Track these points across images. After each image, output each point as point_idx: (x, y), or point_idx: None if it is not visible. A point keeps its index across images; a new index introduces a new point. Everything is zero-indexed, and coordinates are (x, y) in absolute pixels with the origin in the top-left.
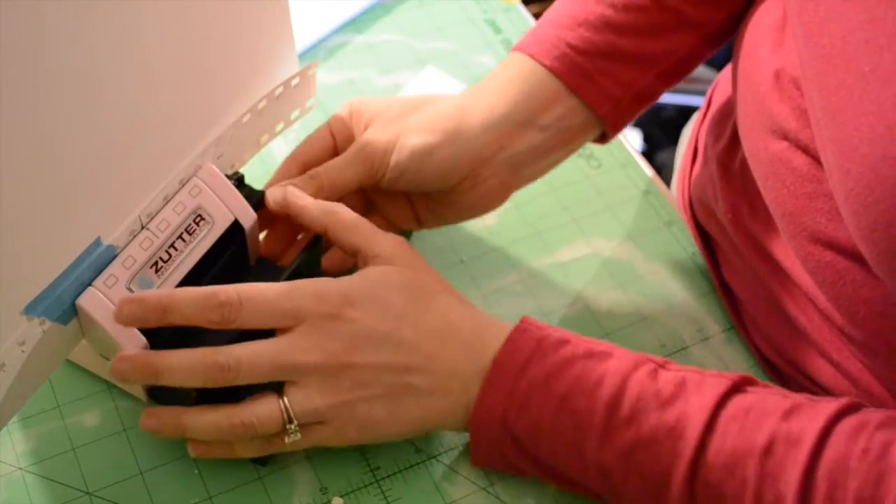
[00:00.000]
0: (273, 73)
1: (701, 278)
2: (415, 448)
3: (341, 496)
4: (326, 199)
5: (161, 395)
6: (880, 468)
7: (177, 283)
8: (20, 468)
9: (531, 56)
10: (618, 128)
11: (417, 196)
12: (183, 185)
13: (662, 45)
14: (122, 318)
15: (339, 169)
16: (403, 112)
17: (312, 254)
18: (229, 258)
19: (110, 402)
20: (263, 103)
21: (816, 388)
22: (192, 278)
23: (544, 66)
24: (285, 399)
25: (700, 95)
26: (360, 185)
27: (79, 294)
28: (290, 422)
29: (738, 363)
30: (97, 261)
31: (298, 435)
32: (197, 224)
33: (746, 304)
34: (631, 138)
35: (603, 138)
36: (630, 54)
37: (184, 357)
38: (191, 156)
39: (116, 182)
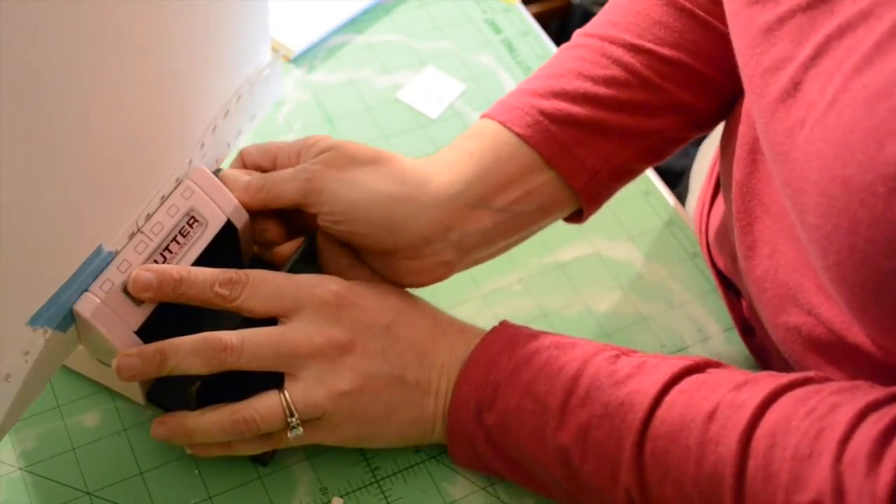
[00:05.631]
0: (249, 65)
1: (701, 278)
2: (414, 448)
3: (341, 496)
4: (262, 203)
5: (160, 397)
6: (822, 424)
7: None
8: (20, 468)
9: (502, 124)
10: (594, 203)
11: (356, 244)
12: (176, 186)
13: (647, 123)
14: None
15: (279, 180)
16: (358, 160)
17: (308, 253)
18: (223, 258)
19: (110, 402)
20: (241, 95)
21: None
22: None
23: (516, 133)
24: (286, 393)
25: None
26: (291, 204)
27: (77, 299)
28: (292, 415)
29: (739, 363)
30: (99, 267)
31: (301, 429)
32: (190, 226)
33: (768, 345)
34: None
35: (578, 216)
36: (609, 127)
37: (188, 340)
38: (183, 154)
39: (115, 189)
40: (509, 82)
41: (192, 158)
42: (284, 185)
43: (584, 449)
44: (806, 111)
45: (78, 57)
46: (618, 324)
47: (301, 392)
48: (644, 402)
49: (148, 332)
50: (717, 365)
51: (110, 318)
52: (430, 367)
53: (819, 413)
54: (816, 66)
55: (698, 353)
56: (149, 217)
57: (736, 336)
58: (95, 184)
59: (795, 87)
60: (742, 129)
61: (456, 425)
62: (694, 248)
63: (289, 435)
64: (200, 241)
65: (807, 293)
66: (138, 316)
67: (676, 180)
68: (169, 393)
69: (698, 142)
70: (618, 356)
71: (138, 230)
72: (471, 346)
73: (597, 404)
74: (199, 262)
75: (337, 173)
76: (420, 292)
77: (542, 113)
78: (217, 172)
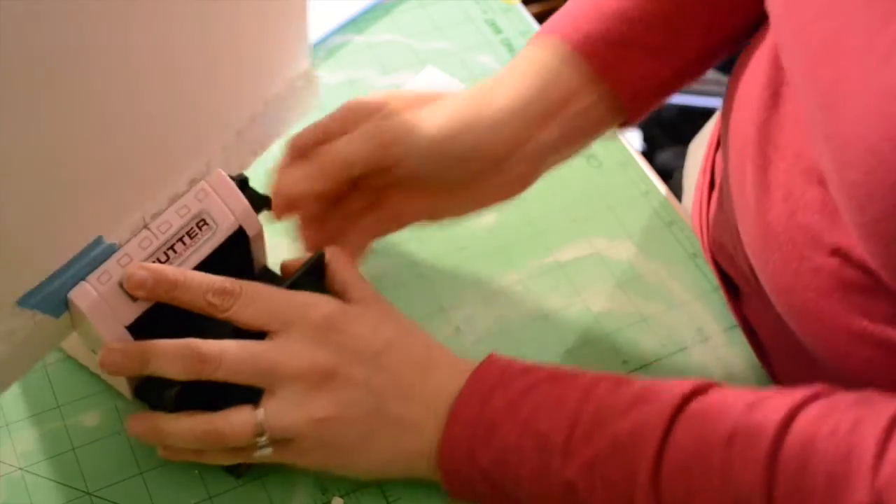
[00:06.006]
0: (283, 73)
1: (701, 278)
2: None
3: (341, 496)
4: (324, 181)
5: (146, 394)
6: (849, 444)
7: None
8: (20, 468)
9: (559, 37)
10: (639, 115)
11: (433, 187)
12: (190, 188)
13: (682, 40)
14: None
15: (344, 144)
16: (412, 104)
17: (314, 272)
18: (232, 266)
19: (110, 402)
20: (270, 105)
21: None
22: None
23: (568, 50)
24: (261, 411)
25: (700, 95)
26: (365, 167)
27: (73, 287)
28: (261, 435)
29: (738, 363)
30: (97, 258)
31: (268, 450)
32: (199, 228)
33: (770, 345)
34: (631, 138)
35: (623, 125)
36: (652, 47)
37: (171, 344)
38: (201, 157)
39: (122, 181)
40: None
41: (210, 161)
42: (351, 149)
43: (591, 483)
44: (855, 64)
45: (97, 42)
46: (618, 324)
47: (275, 412)
48: (655, 431)
49: (141, 329)
50: (716, 385)
51: (103, 310)
52: (416, 403)
53: (843, 431)
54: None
55: (698, 352)
56: (157, 215)
57: (736, 336)
58: (101, 173)
59: (841, 38)
60: (768, 73)
61: (449, 464)
62: (694, 248)
63: (255, 454)
64: (208, 244)
65: (834, 234)
66: (132, 312)
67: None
68: (154, 392)
69: (688, 140)
70: (618, 384)
71: (145, 226)
72: (461, 382)
73: (604, 437)
74: (206, 266)
75: (401, 120)
76: (421, 289)
77: (591, 32)
78: (238, 178)
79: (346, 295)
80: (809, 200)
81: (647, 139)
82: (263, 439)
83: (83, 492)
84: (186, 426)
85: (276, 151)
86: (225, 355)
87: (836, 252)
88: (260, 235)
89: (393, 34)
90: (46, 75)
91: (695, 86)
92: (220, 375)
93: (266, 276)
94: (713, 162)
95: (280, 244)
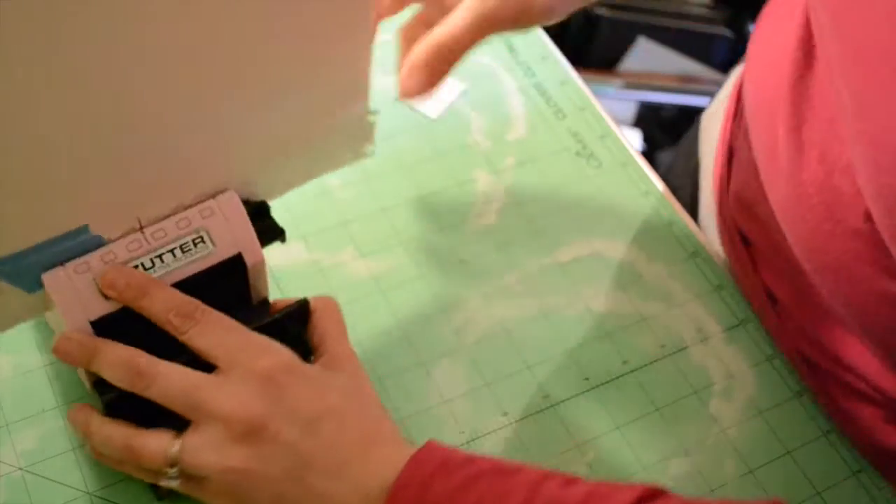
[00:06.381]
0: (335, 111)
1: (701, 278)
2: None
3: None
4: (480, 29)
5: (103, 389)
6: None
7: None
8: (20, 468)
9: None
10: None
11: None
12: (198, 203)
13: None
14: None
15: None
16: None
17: (297, 316)
18: (226, 292)
19: None
20: (314, 141)
21: (860, 382)
22: None
23: None
24: (178, 442)
25: (700, 95)
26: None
27: (50, 268)
28: (172, 466)
29: (738, 363)
30: (80, 246)
31: (176, 482)
32: (195, 245)
33: (786, 301)
34: (631, 138)
35: None
36: None
37: (118, 350)
38: (217, 175)
39: (120, 177)
40: (509, 82)
41: (228, 182)
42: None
43: None
44: (886, 64)
45: (142, 44)
46: (618, 324)
47: (192, 447)
48: None
49: (105, 328)
50: (665, 494)
51: (71, 299)
52: (346, 482)
53: None
54: None
55: (698, 353)
56: (157, 220)
57: (736, 335)
58: (104, 165)
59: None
60: (798, 33)
61: None
62: (694, 247)
63: (162, 482)
64: (199, 263)
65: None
66: (100, 308)
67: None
68: (101, 391)
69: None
70: (567, 483)
71: (140, 228)
72: (399, 467)
73: None
74: (197, 286)
75: None
76: (421, 290)
77: None
78: (260, 208)
79: (320, 348)
80: (846, 164)
81: (647, 139)
82: (174, 471)
83: (83, 492)
84: (108, 433)
85: (308, 189)
86: (160, 376)
87: (871, 217)
88: (261, 265)
89: (393, 34)
90: (91, 66)
91: (695, 86)
92: (152, 394)
93: (261, 309)
94: (731, 132)
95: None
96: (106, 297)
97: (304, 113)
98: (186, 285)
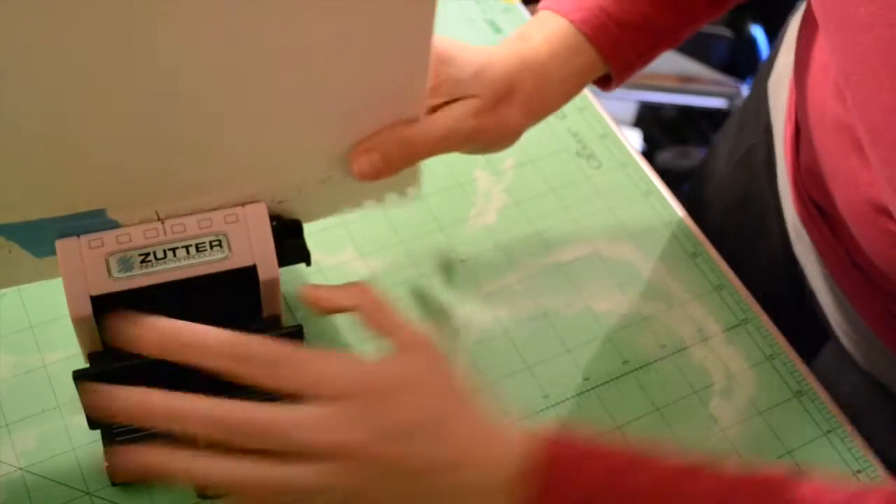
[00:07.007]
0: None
1: (701, 278)
2: None
3: None
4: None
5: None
6: None
7: (153, 284)
8: (20, 468)
9: (567, 18)
10: (622, 79)
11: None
12: (222, 208)
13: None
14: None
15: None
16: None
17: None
18: (235, 304)
19: None
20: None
21: None
22: (177, 295)
23: (580, 31)
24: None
25: (700, 95)
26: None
27: (64, 237)
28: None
29: (738, 363)
30: (95, 227)
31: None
32: (211, 246)
33: (869, 270)
34: (631, 138)
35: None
36: (661, 29)
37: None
38: (251, 186)
39: (154, 172)
40: None
41: (260, 194)
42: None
43: None
44: None
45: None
46: (618, 324)
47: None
48: None
49: (104, 306)
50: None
51: (77, 269)
52: (461, 475)
53: None
54: None
55: (698, 352)
56: (179, 215)
57: (736, 335)
58: (131, 151)
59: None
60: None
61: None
62: (694, 247)
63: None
64: (210, 265)
65: None
66: (103, 286)
67: (682, 179)
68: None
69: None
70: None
71: (159, 218)
72: (514, 458)
73: None
74: (201, 287)
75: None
76: (421, 290)
77: (605, 12)
78: (292, 225)
79: (392, 340)
80: None
81: (647, 139)
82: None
83: (83, 492)
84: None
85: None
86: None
87: None
88: (274, 282)
89: None
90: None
91: (695, 86)
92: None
93: (271, 325)
94: (795, 108)
95: None
96: (112, 276)
97: (349, 141)
98: (192, 285)
